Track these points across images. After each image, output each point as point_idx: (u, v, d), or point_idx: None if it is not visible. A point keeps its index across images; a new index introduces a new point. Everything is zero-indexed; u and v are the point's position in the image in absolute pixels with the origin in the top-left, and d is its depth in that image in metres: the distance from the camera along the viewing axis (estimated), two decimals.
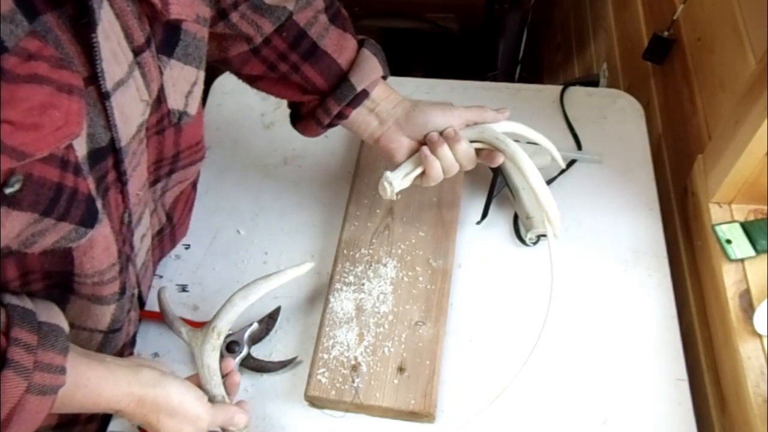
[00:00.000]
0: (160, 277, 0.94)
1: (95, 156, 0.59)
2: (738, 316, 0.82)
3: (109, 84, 0.56)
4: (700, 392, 0.88)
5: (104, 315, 0.71)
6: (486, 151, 0.84)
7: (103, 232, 0.63)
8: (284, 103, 1.14)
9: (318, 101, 0.84)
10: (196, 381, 0.74)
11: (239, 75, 0.86)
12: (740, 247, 0.87)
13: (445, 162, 0.81)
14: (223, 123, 1.12)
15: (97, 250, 0.63)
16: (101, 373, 0.64)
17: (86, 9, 0.52)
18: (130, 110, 0.61)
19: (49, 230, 0.56)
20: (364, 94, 0.82)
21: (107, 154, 0.61)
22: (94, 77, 0.55)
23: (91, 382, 0.63)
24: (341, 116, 0.84)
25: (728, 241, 0.87)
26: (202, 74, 0.71)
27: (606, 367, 0.85)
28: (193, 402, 0.69)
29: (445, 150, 0.81)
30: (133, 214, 0.71)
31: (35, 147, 0.50)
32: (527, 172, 0.81)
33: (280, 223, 1.00)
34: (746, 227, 0.88)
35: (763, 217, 0.90)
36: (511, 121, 0.85)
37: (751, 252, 0.86)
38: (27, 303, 0.61)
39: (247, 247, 0.97)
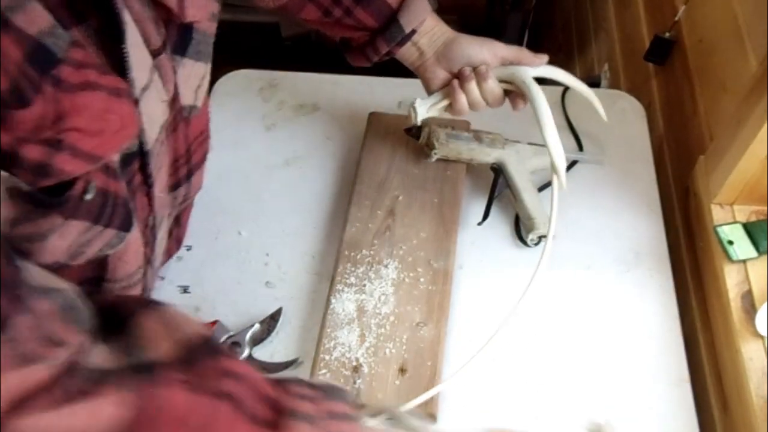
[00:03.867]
0: (162, 278, 0.94)
1: (126, 161, 0.60)
2: (740, 318, 0.82)
3: (137, 91, 0.57)
4: (702, 393, 0.88)
5: None
6: (514, 93, 0.86)
7: (134, 236, 0.64)
8: (286, 104, 1.15)
9: (368, 38, 0.87)
10: None
11: (295, 18, 0.89)
12: (742, 248, 0.86)
13: (471, 97, 0.84)
14: (224, 124, 1.12)
15: (129, 254, 0.64)
16: None
17: (110, 21, 0.52)
18: (154, 113, 0.62)
19: (95, 238, 0.57)
20: (412, 33, 0.85)
21: (134, 158, 0.62)
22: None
23: None
24: (389, 54, 0.87)
25: (730, 242, 0.87)
26: (209, 67, 0.72)
27: (607, 368, 0.85)
28: None
29: (472, 85, 0.83)
30: (156, 216, 0.71)
31: (103, 150, 0.52)
32: (543, 120, 0.81)
33: (281, 225, 0.99)
34: (748, 228, 0.88)
35: (765, 218, 0.90)
36: (550, 66, 0.86)
37: (753, 253, 0.86)
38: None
39: (248, 248, 0.97)
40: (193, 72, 0.68)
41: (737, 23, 0.91)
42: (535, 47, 0.88)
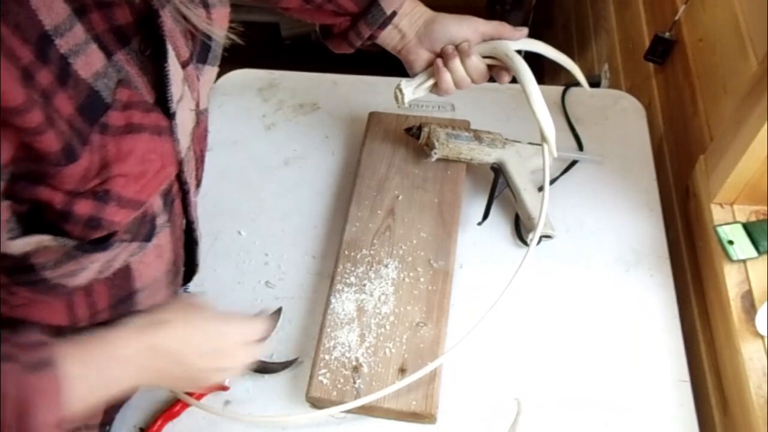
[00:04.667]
0: None
1: None
2: (740, 317, 0.82)
3: (174, 104, 0.58)
4: (702, 393, 0.88)
5: None
6: (497, 67, 0.86)
7: (156, 242, 0.64)
8: (286, 104, 1.15)
9: (349, 23, 0.86)
10: None
11: (274, 8, 0.89)
12: (742, 248, 0.86)
13: (456, 75, 0.84)
14: (224, 124, 1.12)
15: (149, 257, 0.65)
16: (103, 343, 0.59)
17: (151, 40, 0.53)
18: (186, 122, 0.63)
19: (122, 253, 0.58)
20: (393, 14, 0.85)
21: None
22: (159, 101, 0.56)
23: (97, 352, 0.58)
24: (371, 38, 0.87)
25: (730, 242, 0.87)
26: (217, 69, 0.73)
27: (607, 368, 0.85)
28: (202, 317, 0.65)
29: (456, 63, 0.84)
30: (195, 221, 0.72)
31: (145, 194, 0.53)
32: (529, 89, 0.82)
33: (281, 225, 0.99)
34: (748, 228, 0.88)
35: (765, 218, 0.90)
36: (530, 39, 0.87)
37: (753, 253, 0.86)
38: None
39: (248, 248, 0.97)
40: (210, 77, 0.70)
41: (737, 23, 0.91)
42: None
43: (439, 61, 0.84)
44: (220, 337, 0.65)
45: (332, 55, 1.00)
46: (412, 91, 0.87)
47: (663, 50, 1.16)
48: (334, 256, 0.92)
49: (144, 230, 0.59)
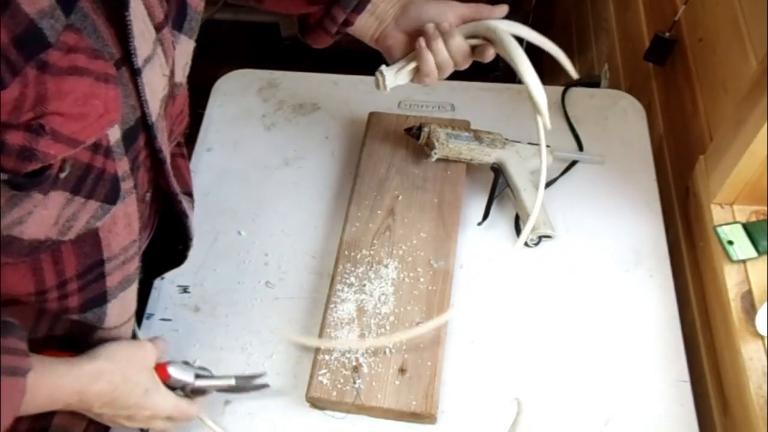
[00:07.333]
0: (162, 278, 0.94)
1: (129, 137, 0.60)
2: (740, 318, 0.82)
3: (140, 61, 0.58)
4: (701, 394, 0.88)
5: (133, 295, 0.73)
6: (480, 47, 0.83)
7: (124, 210, 0.64)
8: (286, 104, 1.15)
9: (324, 10, 0.85)
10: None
11: (247, 1, 0.88)
12: (742, 248, 0.86)
13: (439, 57, 0.81)
14: (224, 124, 1.12)
15: (119, 226, 0.65)
16: (39, 368, 0.63)
17: None
18: (156, 86, 0.62)
19: (80, 211, 0.58)
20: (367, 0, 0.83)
21: (138, 133, 0.62)
22: (125, 57, 0.57)
23: (46, 382, 0.63)
24: (347, 23, 0.84)
25: (730, 242, 0.87)
26: (193, 45, 0.73)
27: (608, 368, 0.85)
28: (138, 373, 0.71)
29: (439, 44, 0.81)
30: (176, 193, 0.72)
31: (85, 135, 0.53)
32: (518, 60, 0.79)
33: (281, 225, 1.00)
34: (748, 228, 0.88)
35: (765, 218, 0.90)
36: (510, 22, 0.83)
37: (753, 253, 0.86)
38: None
39: (248, 248, 0.97)
40: (186, 49, 0.69)
41: (737, 23, 0.91)
42: (535, 47, 0.87)
43: (422, 41, 0.81)
44: (138, 409, 0.71)
45: (332, 56, 1.00)
46: (394, 75, 0.84)
47: (663, 50, 1.15)
48: (334, 256, 0.92)
49: (100, 189, 0.59)
